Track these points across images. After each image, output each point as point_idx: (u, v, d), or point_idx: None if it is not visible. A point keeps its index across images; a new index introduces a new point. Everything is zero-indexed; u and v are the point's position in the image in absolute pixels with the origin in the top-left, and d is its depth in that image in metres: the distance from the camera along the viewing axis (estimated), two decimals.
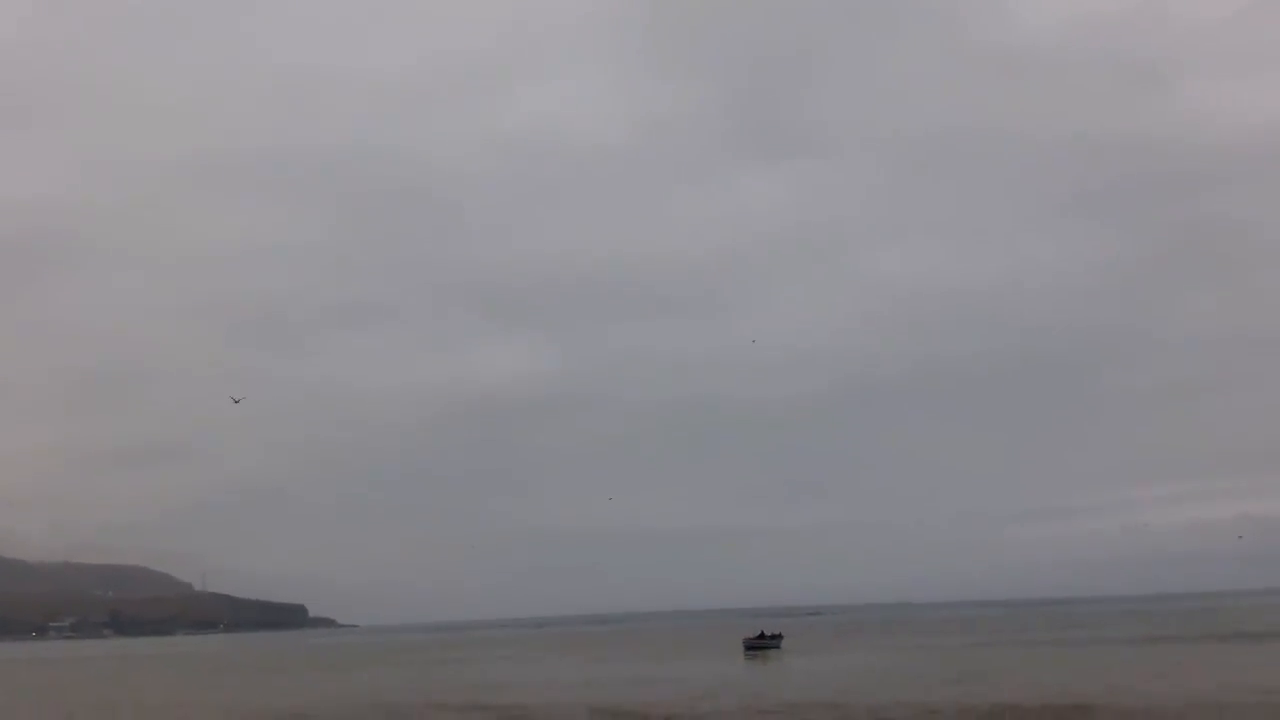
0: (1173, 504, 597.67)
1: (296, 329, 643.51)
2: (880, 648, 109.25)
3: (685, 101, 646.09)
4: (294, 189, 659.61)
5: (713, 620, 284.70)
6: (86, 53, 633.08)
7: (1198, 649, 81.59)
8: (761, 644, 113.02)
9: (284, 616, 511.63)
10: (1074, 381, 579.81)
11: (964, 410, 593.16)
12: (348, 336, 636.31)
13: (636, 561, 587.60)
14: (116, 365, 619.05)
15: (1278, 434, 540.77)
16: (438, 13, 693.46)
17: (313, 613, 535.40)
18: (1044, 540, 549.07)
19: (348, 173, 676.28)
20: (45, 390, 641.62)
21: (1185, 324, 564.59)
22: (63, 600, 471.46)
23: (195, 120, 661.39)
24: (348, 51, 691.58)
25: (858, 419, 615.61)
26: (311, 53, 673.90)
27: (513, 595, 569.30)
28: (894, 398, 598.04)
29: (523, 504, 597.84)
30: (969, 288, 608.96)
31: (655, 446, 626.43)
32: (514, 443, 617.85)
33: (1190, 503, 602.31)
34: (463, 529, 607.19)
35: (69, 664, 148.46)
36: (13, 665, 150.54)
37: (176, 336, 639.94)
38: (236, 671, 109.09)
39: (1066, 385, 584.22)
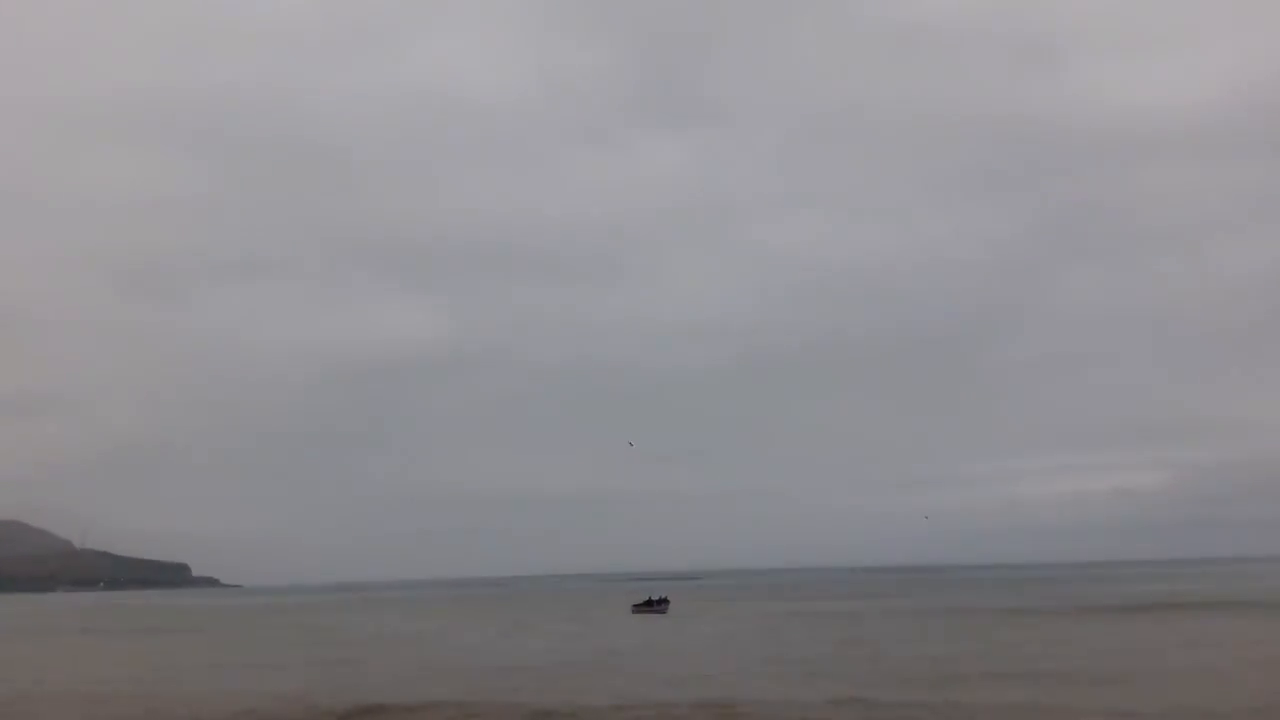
0: (1051, 475, 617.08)
1: (182, 282, 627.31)
2: (765, 612, 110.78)
3: (587, 63, 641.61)
4: (181, 137, 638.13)
5: (602, 584, 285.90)
6: None
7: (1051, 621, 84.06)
8: (649, 609, 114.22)
9: (166, 575, 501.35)
10: (962, 354, 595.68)
11: (856, 380, 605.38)
12: (235, 291, 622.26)
13: (529, 524, 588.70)
14: None
15: (1153, 409, 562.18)
16: None
17: (196, 572, 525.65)
18: (929, 509, 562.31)
19: (236, 122, 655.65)
20: None
21: (1067, 300, 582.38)
22: None
23: (77, 63, 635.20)
24: None
25: (752, 388, 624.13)
26: None
27: (403, 557, 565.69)
28: (788, 368, 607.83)
29: (414, 464, 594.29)
30: (863, 261, 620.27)
31: (549, 410, 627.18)
32: (406, 403, 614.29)
33: (1068, 475, 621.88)
34: (353, 489, 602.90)
35: None
36: None
37: (58, 287, 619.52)
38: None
39: (955, 357, 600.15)
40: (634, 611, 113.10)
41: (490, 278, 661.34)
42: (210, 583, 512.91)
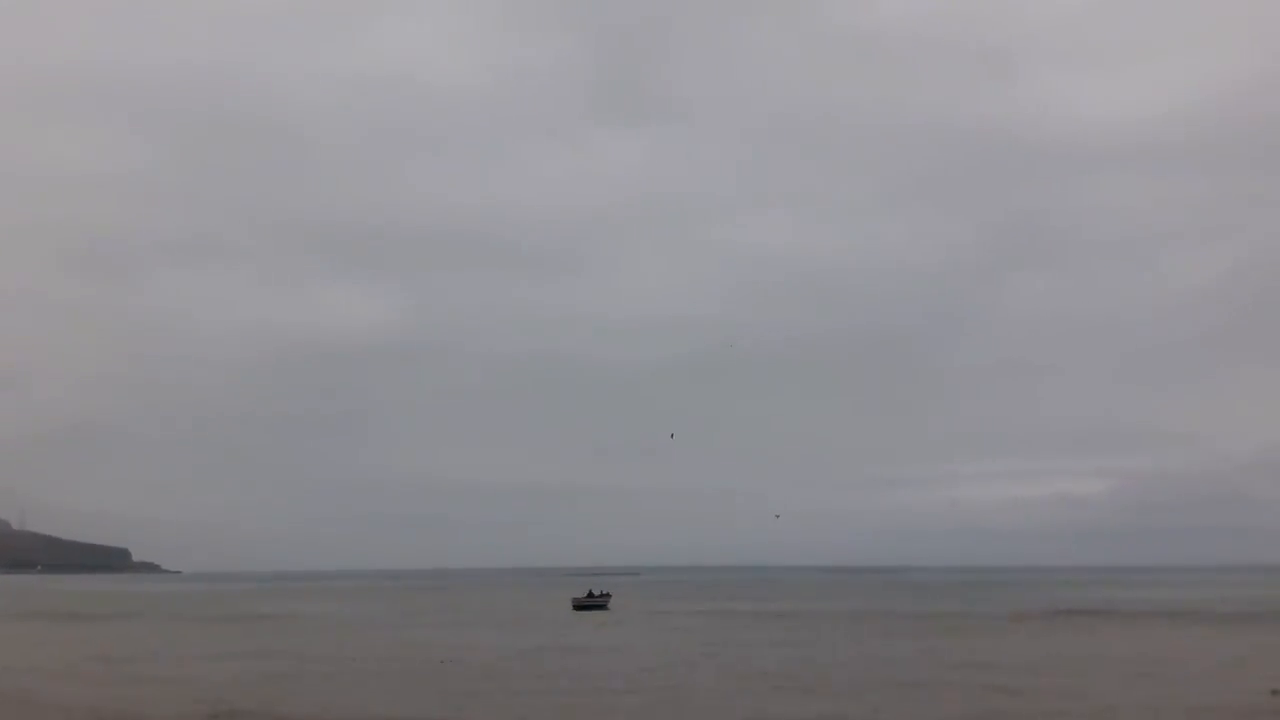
0: (997, 480, 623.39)
1: (127, 260, 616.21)
2: (706, 611, 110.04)
3: (547, 55, 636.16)
4: (132, 114, 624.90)
5: (551, 579, 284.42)
6: None
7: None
8: (589, 603, 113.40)
9: (106, 559, 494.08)
10: (914, 358, 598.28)
11: (809, 381, 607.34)
12: (182, 272, 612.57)
13: (481, 517, 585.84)
14: None
15: (1098, 417, 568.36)
16: None
17: (136, 557, 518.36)
18: (878, 510, 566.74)
19: (190, 101, 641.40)
20: None
21: (1017, 308, 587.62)
22: None
23: (27, 36, 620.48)
24: None
25: (706, 386, 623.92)
26: None
27: (350, 547, 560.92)
28: (743, 366, 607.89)
29: (363, 453, 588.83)
30: (818, 262, 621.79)
31: (502, 401, 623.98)
32: (356, 390, 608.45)
33: (1013, 480, 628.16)
34: (300, 476, 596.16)
35: None
36: None
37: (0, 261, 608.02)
38: None
39: (907, 361, 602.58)
40: (575, 607, 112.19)
41: (445, 267, 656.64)
42: (151, 568, 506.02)
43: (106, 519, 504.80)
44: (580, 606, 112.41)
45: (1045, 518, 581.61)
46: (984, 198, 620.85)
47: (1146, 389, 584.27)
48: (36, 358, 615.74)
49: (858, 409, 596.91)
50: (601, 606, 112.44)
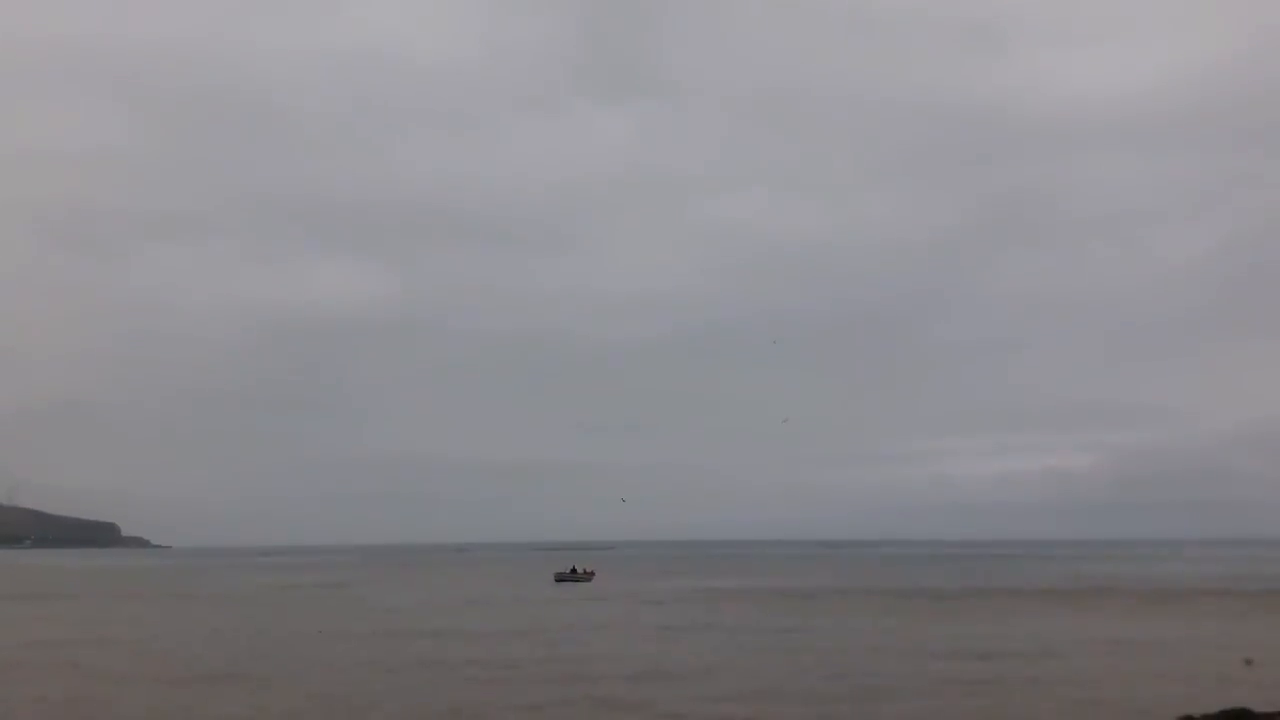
0: (985, 455, 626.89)
1: (112, 237, 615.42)
2: (688, 588, 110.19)
3: (534, 30, 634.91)
4: (115, 89, 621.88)
5: (535, 554, 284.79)
6: None
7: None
8: (572, 578, 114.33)
9: (95, 534, 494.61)
10: (900, 334, 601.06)
11: (795, 357, 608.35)
12: (167, 247, 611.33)
13: (468, 492, 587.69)
14: None
15: (1084, 393, 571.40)
16: None
17: (125, 532, 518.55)
18: (864, 485, 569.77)
19: (173, 76, 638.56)
20: None
21: (1003, 284, 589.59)
22: None
23: (2, 8, 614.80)
24: None
25: (691, 362, 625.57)
26: None
27: (337, 521, 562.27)
28: (727, 343, 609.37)
29: (349, 429, 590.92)
30: (804, 239, 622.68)
31: (488, 377, 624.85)
32: (342, 366, 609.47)
33: (998, 455, 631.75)
34: (288, 452, 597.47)
35: None
36: None
37: None
38: None
39: (893, 337, 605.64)
40: (557, 580, 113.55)
41: (431, 243, 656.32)
42: (140, 543, 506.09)
43: (95, 494, 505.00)
44: (562, 579, 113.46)
45: (1031, 492, 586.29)
46: (971, 174, 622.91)
47: (1132, 365, 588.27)
48: (23, 334, 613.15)
49: (844, 385, 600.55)
50: (585, 581, 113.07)
